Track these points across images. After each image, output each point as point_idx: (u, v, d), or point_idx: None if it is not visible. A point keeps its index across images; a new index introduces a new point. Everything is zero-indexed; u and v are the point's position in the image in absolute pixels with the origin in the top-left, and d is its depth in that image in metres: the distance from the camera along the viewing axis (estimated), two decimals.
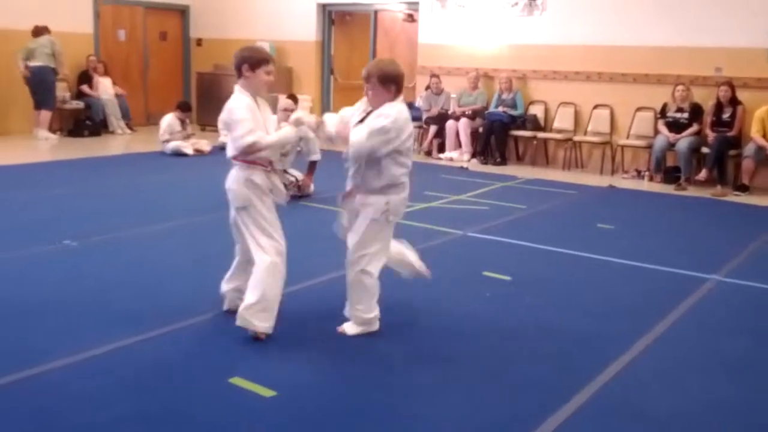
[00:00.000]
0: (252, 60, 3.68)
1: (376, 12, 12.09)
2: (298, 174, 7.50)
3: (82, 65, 11.89)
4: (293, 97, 9.61)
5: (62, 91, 11.56)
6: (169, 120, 9.92)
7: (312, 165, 7.53)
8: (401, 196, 3.77)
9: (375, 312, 3.83)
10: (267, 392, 3.15)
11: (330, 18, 12.47)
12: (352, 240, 3.76)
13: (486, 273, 5.04)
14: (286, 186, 7.20)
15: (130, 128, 12.17)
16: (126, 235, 5.67)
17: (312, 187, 7.53)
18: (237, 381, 3.24)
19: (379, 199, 3.70)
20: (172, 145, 9.81)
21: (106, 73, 12.01)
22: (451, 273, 5.01)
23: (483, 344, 3.83)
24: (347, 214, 3.91)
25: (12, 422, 2.83)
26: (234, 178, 3.71)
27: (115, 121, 11.96)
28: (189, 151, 9.86)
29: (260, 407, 3.03)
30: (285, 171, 7.39)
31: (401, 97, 3.73)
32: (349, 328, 3.84)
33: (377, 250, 3.75)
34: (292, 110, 7.33)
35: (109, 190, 7.51)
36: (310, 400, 3.12)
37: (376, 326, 3.86)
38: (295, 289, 4.34)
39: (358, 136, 3.57)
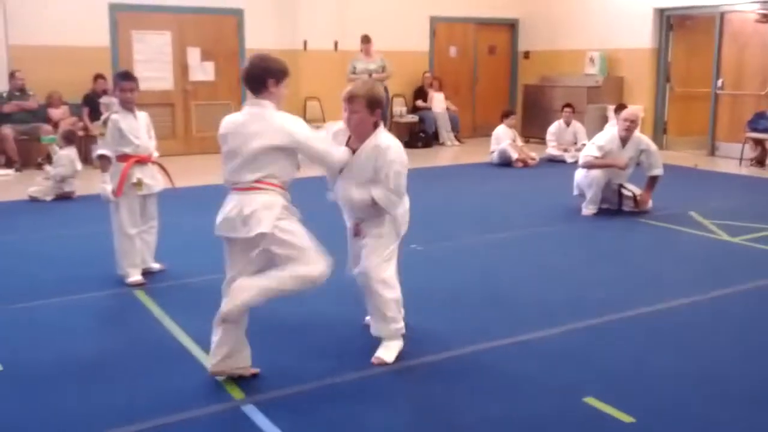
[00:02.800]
0: (279, 74, 3.20)
1: (722, 14, 11.01)
2: (635, 189, 7.04)
3: (418, 81, 12.62)
4: (623, 107, 9.17)
5: (399, 105, 12.39)
6: (503, 129, 10.16)
7: (652, 180, 7.02)
8: (402, 210, 3.56)
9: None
10: (626, 418, 2.93)
11: (668, 23, 11.66)
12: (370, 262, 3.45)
13: None
14: (621, 200, 7.02)
15: (459, 140, 12.61)
16: (467, 243, 5.79)
17: (650, 204, 7.02)
18: (591, 401, 3.05)
19: (382, 219, 3.50)
20: (501, 147, 9.95)
21: (440, 89, 12.60)
22: None
23: None
24: (357, 249, 3.61)
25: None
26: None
27: (446, 133, 12.48)
28: (514, 155, 9.92)
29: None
30: (621, 186, 7.01)
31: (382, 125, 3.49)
32: (385, 353, 3.49)
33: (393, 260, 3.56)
34: (634, 120, 6.90)
35: (444, 198, 7.79)
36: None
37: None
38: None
39: (392, 198, 3.42)
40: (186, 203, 6.98)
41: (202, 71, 11.19)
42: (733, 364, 3.55)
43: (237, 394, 3.19)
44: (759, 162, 10.11)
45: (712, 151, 11.25)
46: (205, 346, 3.67)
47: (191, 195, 7.50)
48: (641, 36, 11.76)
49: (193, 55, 11.09)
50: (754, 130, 10.13)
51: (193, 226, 6.34)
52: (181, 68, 11.03)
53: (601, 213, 6.90)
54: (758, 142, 10.14)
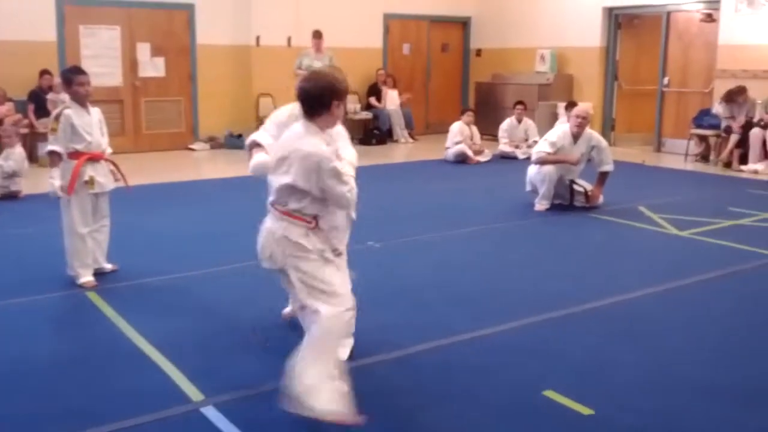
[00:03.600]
0: (341, 93, 2.94)
1: (668, 14, 11.29)
2: (586, 184, 7.17)
3: (371, 78, 12.62)
4: (573, 105, 9.33)
5: (353, 102, 12.37)
6: (459, 127, 10.20)
7: (603, 176, 7.16)
8: None
9: None
10: (585, 410, 3.01)
11: (617, 22, 11.90)
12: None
13: None
14: (573, 196, 7.15)
15: (413, 137, 12.66)
16: (423, 239, 5.81)
17: (601, 199, 7.16)
18: (550, 394, 3.11)
19: None
20: (455, 149, 10.01)
21: (393, 86, 12.62)
22: None
23: None
24: None
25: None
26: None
27: (399, 130, 12.51)
28: (470, 153, 10.02)
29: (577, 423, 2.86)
30: (573, 181, 7.14)
31: None
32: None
33: None
34: (585, 117, 7.02)
35: (399, 195, 7.81)
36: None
37: None
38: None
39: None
40: (137, 202, 6.86)
41: (153, 67, 10.99)
42: (687, 354, 3.65)
43: (195, 395, 3.15)
44: (703, 158, 10.40)
45: (659, 147, 11.53)
46: (161, 348, 3.62)
47: (142, 194, 7.38)
48: (590, 35, 11.97)
49: (143, 50, 10.88)
50: (699, 126, 10.41)
51: (145, 225, 6.25)
52: (131, 64, 10.81)
53: (553, 208, 7.01)
54: (703, 139, 10.43)
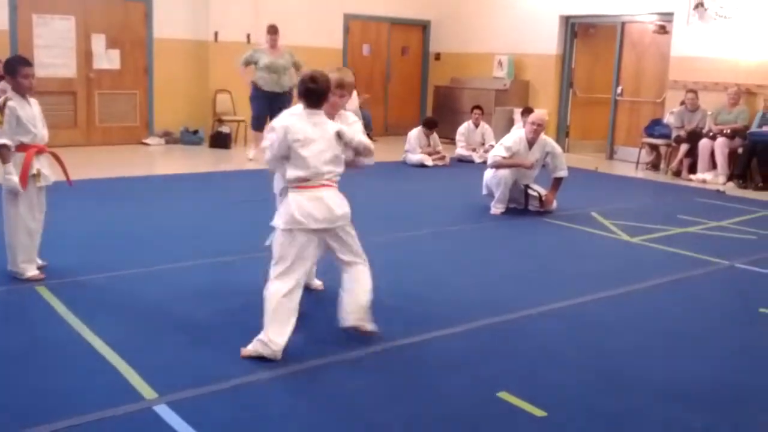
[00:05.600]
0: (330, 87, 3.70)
1: (623, 24, 11.53)
2: (541, 189, 7.28)
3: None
4: (529, 111, 9.48)
5: None
6: (417, 134, 10.24)
7: (557, 181, 7.28)
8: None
9: None
10: (538, 412, 3.04)
11: (573, 30, 12.11)
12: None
13: (762, 310, 4.53)
14: (528, 200, 7.25)
15: (371, 139, 12.61)
16: (378, 241, 5.82)
17: (555, 204, 7.27)
18: (505, 396, 3.15)
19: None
20: (416, 157, 10.06)
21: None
22: (721, 308, 4.63)
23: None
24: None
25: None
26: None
27: None
28: (429, 163, 10.07)
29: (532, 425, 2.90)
30: (528, 186, 7.24)
31: None
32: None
33: None
34: (541, 124, 7.13)
35: (356, 196, 7.78)
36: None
37: None
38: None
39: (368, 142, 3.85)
40: (86, 197, 6.73)
41: (107, 59, 10.77)
42: (638, 357, 3.74)
43: (148, 393, 3.10)
44: (654, 166, 10.65)
45: (611, 155, 11.77)
46: (113, 344, 3.55)
47: (91, 188, 7.23)
48: (547, 42, 12.16)
49: (98, 42, 10.66)
50: (650, 135, 10.67)
51: (93, 220, 6.13)
52: (85, 55, 10.59)
53: (508, 212, 7.10)
54: (653, 147, 10.69)
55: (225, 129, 11.25)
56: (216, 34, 11.29)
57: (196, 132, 11.37)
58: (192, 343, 3.67)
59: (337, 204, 3.60)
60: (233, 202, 7.12)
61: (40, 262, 4.68)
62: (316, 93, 3.55)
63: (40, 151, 4.49)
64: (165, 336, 3.76)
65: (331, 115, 3.82)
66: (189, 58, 11.35)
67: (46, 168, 4.55)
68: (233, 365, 3.40)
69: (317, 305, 4.15)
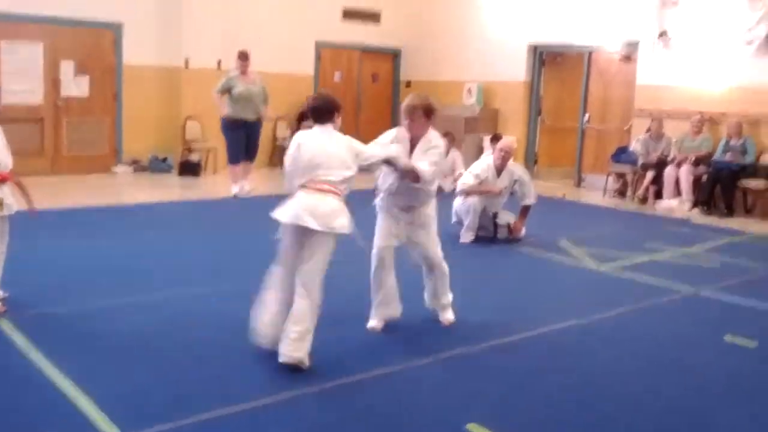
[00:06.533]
0: (340, 108, 4.09)
1: (590, 53, 11.75)
2: (510, 217, 7.34)
3: (302, 105, 12.56)
4: (498, 138, 9.56)
5: (283, 129, 12.34)
6: None
7: (525, 209, 7.34)
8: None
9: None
10: None
11: (541, 59, 12.31)
12: (431, 246, 4.57)
13: (728, 338, 4.58)
14: (497, 229, 7.30)
15: None
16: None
17: (523, 231, 7.33)
18: (473, 428, 3.14)
19: (431, 205, 4.57)
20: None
21: None
22: (687, 335, 4.68)
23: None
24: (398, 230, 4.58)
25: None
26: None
27: None
28: None
29: None
30: (495, 214, 7.29)
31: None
32: (451, 315, 4.61)
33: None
34: (508, 151, 7.20)
35: None
36: None
37: None
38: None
39: (426, 167, 4.27)
40: (50, 227, 6.63)
41: (76, 86, 10.68)
42: (606, 387, 3.75)
43: (110, 430, 3.04)
44: (621, 193, 10.81)
45: (579, 182, 11.91)
46: (75, 379, 3.48)
47: (56, 218, 7.13)
48: (516, 70, 12.33)
49: (67, 68, 10.58)
50: (617, 163, 10.82)
51: (57, 252, 6.02)
52: (53, 82, 10.49)
53: (478, 240, 7.13)
54: (620, 175, 10.85)
55: (194, 157, 11.19)
56: (187, 60, 11.26)
57: (165, 159, 11.30)
58: (156, 378, 3.61)
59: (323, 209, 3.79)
60: (204, 232, 7.07)
61: (1, 293, 4.59)
62: (319, 110, 3.95)
63: (3, 180, 4.42)
64: (129, 371, 3.70)
65: (417, 138, 4.36)
66: (159, 84, 11.30)
67: (9, 197, 4.48)
68: (195, 400, 3.35)
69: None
